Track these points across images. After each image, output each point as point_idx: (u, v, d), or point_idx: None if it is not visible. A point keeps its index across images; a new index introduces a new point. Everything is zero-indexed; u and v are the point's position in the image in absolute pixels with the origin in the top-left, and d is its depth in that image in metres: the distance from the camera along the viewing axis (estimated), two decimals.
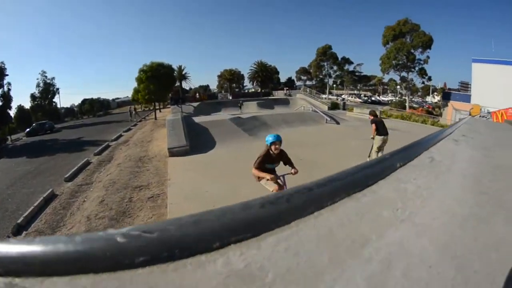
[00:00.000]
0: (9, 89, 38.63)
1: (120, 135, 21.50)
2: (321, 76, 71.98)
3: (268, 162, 5.21)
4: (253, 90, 72.49)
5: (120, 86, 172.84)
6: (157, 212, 6.85)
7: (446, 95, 45.62)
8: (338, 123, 21.55)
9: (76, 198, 8.95)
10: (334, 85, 78.06)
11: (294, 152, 11.18)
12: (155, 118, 30.37)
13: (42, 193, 9.46)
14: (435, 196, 0.73)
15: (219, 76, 79.81)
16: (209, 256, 0.36)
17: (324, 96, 60.96)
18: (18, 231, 7.29)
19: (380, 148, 9.90)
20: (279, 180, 5.05)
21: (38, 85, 55.83)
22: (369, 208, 0.57)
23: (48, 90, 56.62)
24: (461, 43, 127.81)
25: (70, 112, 66.47)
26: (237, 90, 74.48)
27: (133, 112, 35.77)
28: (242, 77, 77.83)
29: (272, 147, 5.08)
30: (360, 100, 64.19)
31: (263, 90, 63.30)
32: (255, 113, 24.58)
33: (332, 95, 68.31)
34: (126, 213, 7.11)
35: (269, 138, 5.18)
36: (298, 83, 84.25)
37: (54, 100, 58.36)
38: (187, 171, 9.55)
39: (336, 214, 0.50)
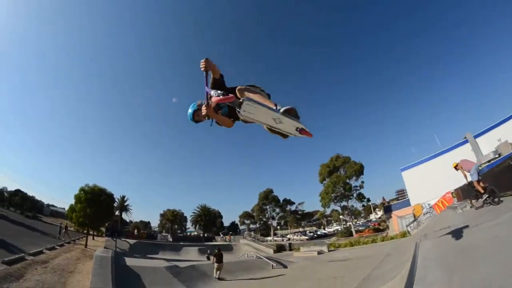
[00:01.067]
0: None
1: (41, 251, 18.93)
2: (264, 219, 74.81)
3: None
4: (195, 233, 73.30)
5: (59, 193, 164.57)
6: None
7: (387, 209, 50.96)
8: (285, 266, 21.07)
9: None
10: (278, 226, 79.06)
11: None
12: (86, 246, 27.70)
13: None
14: None
15: (161, 215, 79.52)
16: None
17: (269, 238, 62.39)
18: None
19: None
20: None
21: None
22: None
23: None
24: (388, 156, 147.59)
25: None
26: (179, 231, 74.15)
27: (63, 230, 32.63)
28: (185, 219, 78.67)
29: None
30: (306, 237, 64.48)
31: (205, 234, 63.21)
32: (195, 260, 23.74)
33: (277, 236, 69.58)
34: None
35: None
36: (242, 227, 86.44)
37: None
38: None
39: None
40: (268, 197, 72.28)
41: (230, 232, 68.57)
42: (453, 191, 24.70)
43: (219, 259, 17.94)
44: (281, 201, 74.27)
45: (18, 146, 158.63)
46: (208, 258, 31.86)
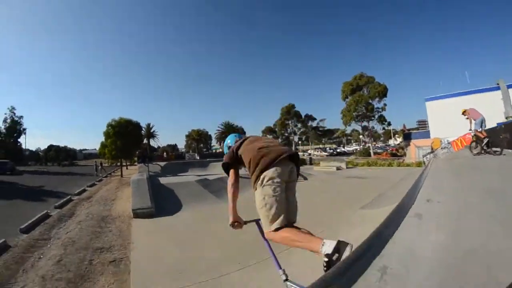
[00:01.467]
0: None
1: (84, 190, 20.83)
2: (286, 134, 75.10)
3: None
4: (220, 150, 73.98)
5: (89, 137, 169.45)
6: (119, 278, 6.53)
7: (407, 136, 49.33)
8: (306, 178, 21.92)
9: (31, 254, 8.31)
10: (300, 142, 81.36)
11: None
12: (121, 176, 29.80)
13: None
14: None
15: (187, 136, 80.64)
16: None
17: None
18: None
19: None
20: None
21: (5, 120, 53.48)
22: None
23: (14, 128, 54.32)
24: (413, 84, 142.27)
25: (34, 156, 63.99)
26: (204, 150, 75.21)
27: (99, 167, 34.87)
28: (210, 137, 79.62)
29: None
30: (326, 153, 66.47)
31: None
32: (222, 174, 24.63)
33: (298, 151, 69.66)
34: (85, 277, 6.68)
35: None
36: None
37: (19, 140, 56.42)
38: (152, 235, 9.46)
39: None
40: (290, 112, 71.93)
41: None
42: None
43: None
44: (303, 117, 74.02)
45: (38, 102, 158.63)
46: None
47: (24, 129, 55.99)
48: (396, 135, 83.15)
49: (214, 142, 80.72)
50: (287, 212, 2.41)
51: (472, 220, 2.95)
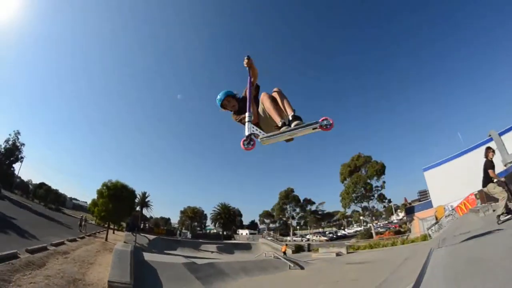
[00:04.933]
0: None
1: (63, 242, 19.46)
2: (284, 219, 73.87)
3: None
4: (214, 231, 73.61)
5: (82, 188, 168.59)
6: None
7: (409, 210, 50.03)
8: (302, 268, 21.02)
9: None
10: (298, 226, 78.88)
11: None
12: (106, 239, 28.37)
13: None
14: None
15: (181, 212, 79.91)
16: None
17: (288, 238, 61.97)
18: None
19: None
20: None
21: (6, 141, 52.90)
22: None
23: (13, 152, 53.60)
24: (410, 157, 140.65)
25: (23, 186, 62.74)
26: (198, 229, 74.52)
27: (84, 223, 33.56)
28: (205, 216, 78.98)
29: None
30: (325, 238, 63.04)
31: (224, 232, 63.48)
32: (213, 258, 23.81)
33: (296, 236, 68.78)
34: None
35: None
36: (261, 226, 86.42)
37: (14, 165, 55.36)
38: None
39: None
40: (288, 196, 71.20)
41: (250, 232, 68.96)
42: (477, 192, 23.85)
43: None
44: (301, 201, 73.14)
45: (45, 140, 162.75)
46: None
47: (22, 157, 55.41)
48: (398, 210, 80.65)
49: (209, 222, 78.90)
50: None
51: None
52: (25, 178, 69.86)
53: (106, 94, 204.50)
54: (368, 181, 53.45)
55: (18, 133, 55.15)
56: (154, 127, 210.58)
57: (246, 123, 3.50)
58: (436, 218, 31.96)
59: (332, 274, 18.05)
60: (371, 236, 50.05)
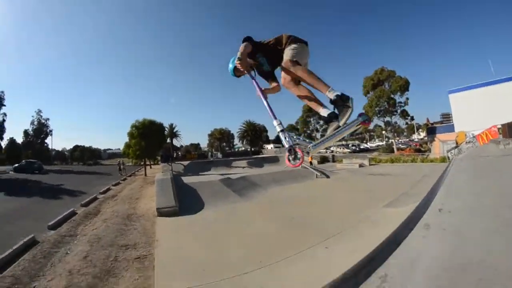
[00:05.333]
0: (4, 120, 39.80)
1: (109, 189, 21.40)
2: (308, 131, 73.97)
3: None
4: (243, 148, 74.73)
5: (113, 137, 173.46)
6: (144, 274, 6.67)
7: (431, 130, 48.89)
8: (328, 176, 21.62)
9: (59, 249, 8.63)
10: None
11: (285, 211, 11.43)
12: (145, 175, 30.49)
13: (22, 237, 9.07)
14: None
15: (209, 135, 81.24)
16: None
17: None
18: None
19: None
20: None
21: (32, 123, 56.35)
22: None
23: (41, 130, 57.04)
24: (435, 77, 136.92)
25: (60, 155, 66.20)
26: (227, 148, 75.82)
27: (122, 166, 35.78)
28: (232, 136, 79.77)
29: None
30: (348, 150, 65.75)
31: (252, 149, 64.73)
32: (244, 172, 24.89)
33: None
34: (110, 272, 6.86)
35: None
36: None
37: (46, 141, 58.99)
38: (175, 233, 9.54)
39: None
40: (312, 109, 70.13)
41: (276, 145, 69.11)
42: (500, 126, 23.00)
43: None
44: None
45: (64, 104, 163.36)
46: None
47: (51, 131, 58.63)
48: (420, 130, 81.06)
49: (236, 141, 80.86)
50: None
51: (477, 234, 2.91)
52: (59, 147, 73.09)
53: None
54: (392, 96, 51.92)
55: (40, 111, 58.06)
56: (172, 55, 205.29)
57: (280, 134, 2.99)
58: (457, 143, 31.01)
59: (356, 183, 18.61)
60: (392, 151, 50.45)
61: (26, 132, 56.25)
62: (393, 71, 52.71)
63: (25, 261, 7.65)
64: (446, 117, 62.41)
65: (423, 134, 73.38)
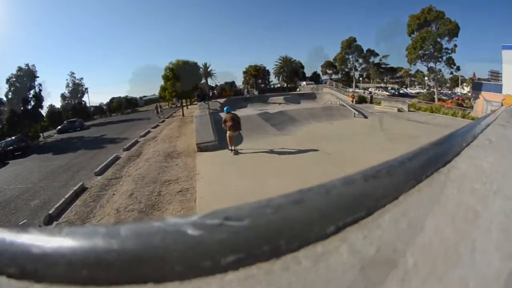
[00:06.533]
0: (40, 90, 41.55)
1: (149, 131, 21.73)
2: (346, 70, 71.25)
3: None
4: (278, 85, 72.98)
5: (146, 85, 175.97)
6: (186, 205, 6.80)
7: (477, 86, 43.46)
8: (366, 117, 21.14)
9: (106, 191, 9.04)
10: (360, 78, 76.70)
11: (322, 147, 11.06)
12: (183, 115, 30.70)
13: (73, 186, 9.59)
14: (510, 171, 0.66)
15: (244, 72, 79.71)
16: (327, 244, 0.27)
17: (350, 89, 58.92)
18: (49, 222, 7.43)
19: None
20: None
21: (67, 86, 58.47)
22: (460, 182, 0.55)
23: (77, 90, 59.26)
24: (489, 28, 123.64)
25: (99, 110, 68.33)
26: (262, 85, 74.87)
27: (159, 110, 36.36)
28: (268, 72, 77.91)
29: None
30: (387, 93, 62.36)
31: (288, 85, 63.45)
32: (282, 108, 24.42)
33: (358, 89, 66.88)
34: (155, 206, 7.13)
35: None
36: (324, 77, 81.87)
37: (83, 99, 61.34)
38: (216, 166, 9.49)
39: (433, 187, 0.47)
40: (351, 46, 66.28)
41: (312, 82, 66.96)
42: None
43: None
44: (364, 51, 68.24)
45: (96, 60, 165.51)
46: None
47: (86, 89, 60.99)
48: (464, 84, 74.89)
49: (272, 77, 78.96)
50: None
51: None
52: (96, 102, 75.41)
53: None
54: (438, 39, 46.53)
55: (73, 73, 60.10)
56: None
57: None
58: (502, 106, 27.64)
59: (393, 126, 17.71)
60: (433, 100, 46.18)
61: (63, 96, 58.75)
62: (442, 11, 47.18)
63: (76, 206, 8.16)
64: (495, 76, 56.15)
65: (466, 89, 67.33)
